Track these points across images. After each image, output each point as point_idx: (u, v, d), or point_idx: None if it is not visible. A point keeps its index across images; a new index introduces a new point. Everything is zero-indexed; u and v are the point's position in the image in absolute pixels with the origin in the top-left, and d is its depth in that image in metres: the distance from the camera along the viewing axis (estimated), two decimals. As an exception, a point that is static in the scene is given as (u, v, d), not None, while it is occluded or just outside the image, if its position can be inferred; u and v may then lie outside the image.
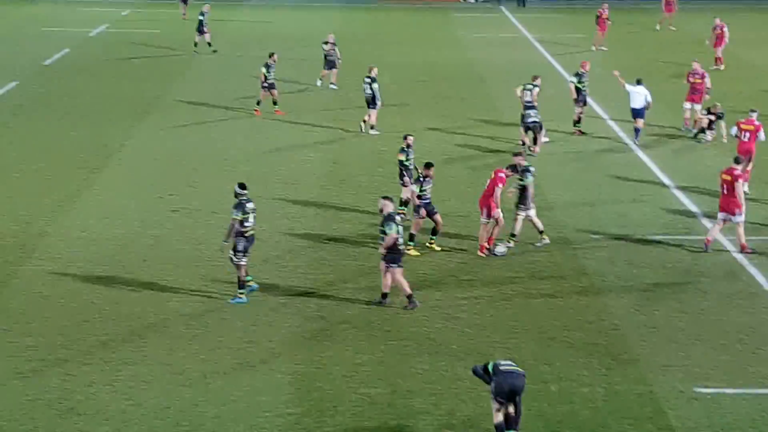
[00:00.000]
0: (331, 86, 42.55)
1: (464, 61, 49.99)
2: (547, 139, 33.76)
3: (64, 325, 20.64)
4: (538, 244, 24.79)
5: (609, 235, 25.81)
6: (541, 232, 24.89)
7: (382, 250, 21.32)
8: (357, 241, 25.21)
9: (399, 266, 21.33)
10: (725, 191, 24.59)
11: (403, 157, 26.65)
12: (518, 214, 24.69)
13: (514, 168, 24.87)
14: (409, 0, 74.36)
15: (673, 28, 59.17)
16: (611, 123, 37.24)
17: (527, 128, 32.86)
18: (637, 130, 34.38)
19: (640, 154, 33.25)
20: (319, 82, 42.96)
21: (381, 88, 35.41)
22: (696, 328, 20.61)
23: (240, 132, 36.02)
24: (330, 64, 42.55)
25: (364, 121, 35.68)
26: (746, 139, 29.54)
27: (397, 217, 21.64)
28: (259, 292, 22.02)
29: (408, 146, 26.79)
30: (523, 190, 24.68)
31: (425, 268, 23.58)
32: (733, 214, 24.44)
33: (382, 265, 21.44)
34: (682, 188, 29.53)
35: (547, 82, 37.98)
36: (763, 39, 56.03)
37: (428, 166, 24.70)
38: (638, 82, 34.67)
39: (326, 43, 42.57)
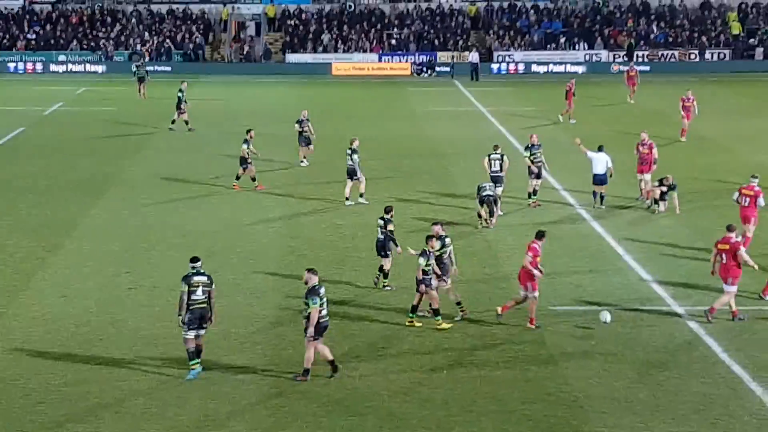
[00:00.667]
0: (302, 163, 42.39)
1: (420, 134, 50.40)
2: (501, 213, 33.97)
3: (21, 406, 20.39)
4: (457, 318, 24.87)
5: (566, 306, 25.93)
6: (458, 304, 25.09)
7: (310, 330, 21.17)
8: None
9: (320, 338, 21.46)
10: (723, 260, 24.74)
11: (391, 227, 27.15)
12: (439, 284, 24.81)
13: (439, 237, 25.06)
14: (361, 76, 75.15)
15: (632, 101, 59.86)
16: (565, 193, 37.59)
17: (482, 201, 33.09)
18: (601, 196, 35.20)
19: (596, 225, 33.53)
20: (304, 162, 42.40)
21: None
22: (655, 399, 20.67)
23: (199, 208, 36.01)
24: (306, 140, 42.32)
25: (347, 198, 36.06)
26: (746, 204, 30.04)
27: (321, 290, 21.54)
28: (219, 368, 21.89)
29: (390, 218, 27.27)
30: (439, 258, 24.83)
31: (383, 340, 23.55)
32: (727, 282, 24.64)
33: (307, 340, 21.37)
34: (638, 259, 29.75)
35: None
36: (712, 111, 56.90)
37: (429, 239, 24.72)
38: (599, 149, 35.52)
39: (300, 121, 42.27)
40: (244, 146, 38.31)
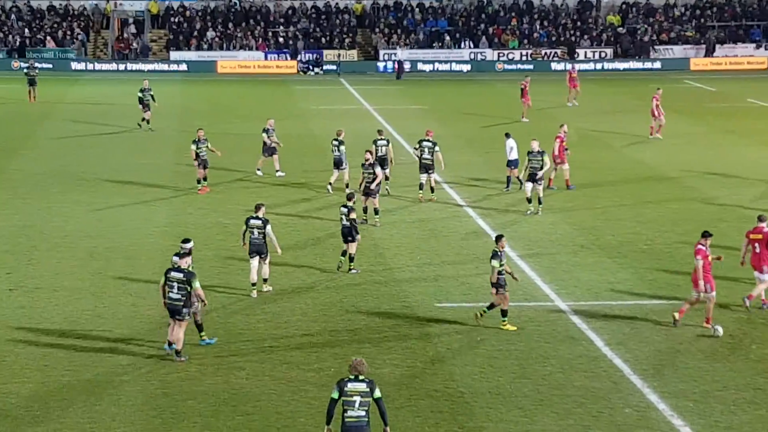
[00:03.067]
0: (279, 174, 40.12)
1: (307, 132, 50.36)
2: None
3: None
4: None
5: (452, 303, 26.16)
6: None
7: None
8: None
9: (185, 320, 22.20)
10: (757, 249, 25.07)
11: (354, 215, 28.11)
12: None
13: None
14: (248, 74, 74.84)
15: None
16: (451, 191, 37.91)
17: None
18: (508, 179, 37.57)
19: (481, 222, 33.89)
20: (260, 172, 40.36)
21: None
22: (539, 393, 20.95)
23: (80, 207, 35.49)
24: (270, 150, 40.20)
25: (330, 183, 36.97)
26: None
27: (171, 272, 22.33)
28: (104, 369, 21.63)
29: (353, 206, 28.38)
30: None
31: (271, 339, 23.49)
32: (762, 271, 25.06)
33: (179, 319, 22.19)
34: (522, 255, 30.14)
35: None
36: (593, 108, 57.87)
37: (499, 238, 24.63)
38: (507, 136, 37.89)
39: (267, 130, 40.23)
40: (193, 147, 37.57)
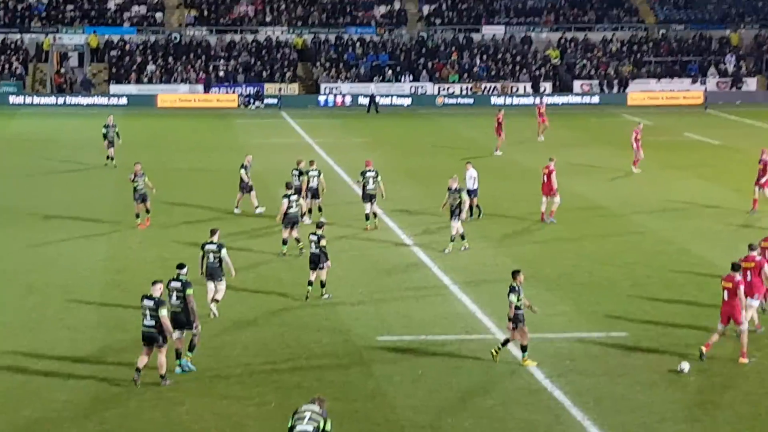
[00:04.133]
0: (258, 210, 39.14)
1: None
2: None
3: None
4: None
5: (394, 336, 26.17)
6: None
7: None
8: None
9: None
10: (749, 278, 25.34)
11: (324, 243, 28.71)
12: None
13: None
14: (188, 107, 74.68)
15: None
16: (391, 223, 37.97)
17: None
18: (471, 208, 37.54)
19: (422, 254, 33.97)
20: (237, 210, 39.42)
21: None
22: (480, 426, 20.98)
23: (17, 242, 35.14)
24: (248, 187, 39.15)
25: (310, 211, 37.44)
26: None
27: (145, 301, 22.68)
28: (41, 405, 21.37)
29: (323, 234, 28.82)
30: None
31: (210, 373, 23.33)
32: (753, 297, 25.40)
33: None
34: (463, 288, 30.24)
35: (330, 184, 39.02)
36: (533, 142, 58.33)
37: (516, 273, 24.47)
38: (468, 164, 38.42)
39: (245, 166, 39.44)
40: (135, 183, 37.24)
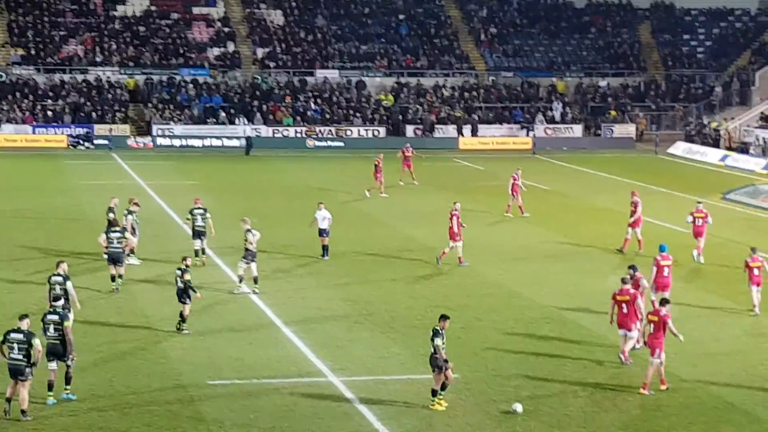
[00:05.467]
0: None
1: (77, 207, 49.30)
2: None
3: None
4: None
5: (225, 380, 25.86)
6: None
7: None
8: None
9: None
10: (624, 310, 27.13)
11: (188, 276, 29.58)
12: None
13: None
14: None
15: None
16: (222, 264, 37.64)
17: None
18: (325, 248, 38.92)
19: (254, 297, 33.72)
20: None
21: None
22: (313, 469, 20.86)
23: None
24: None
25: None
26: (699, 224, 39.77)
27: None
28: None
29: (187, 266, 29.84)
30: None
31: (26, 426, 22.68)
32: (630, 329, 27.11)
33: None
34: (296, 331, 30.10)
35: (158, 224, 38.56)
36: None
37: (444, 317, 24.28)
38: (321, 204, 39.37)
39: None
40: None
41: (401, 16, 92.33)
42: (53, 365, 23.74)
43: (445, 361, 24.04)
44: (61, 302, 25.20)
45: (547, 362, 27.73)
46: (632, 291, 27.53)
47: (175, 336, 29.29)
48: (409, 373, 26.65)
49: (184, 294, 29.49)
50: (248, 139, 75.30)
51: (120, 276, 34.08)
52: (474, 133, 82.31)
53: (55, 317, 24.02)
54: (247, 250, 33.90)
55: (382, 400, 24.69)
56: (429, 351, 27.34)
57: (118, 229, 34.99)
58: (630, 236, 41.54)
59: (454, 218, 38.90)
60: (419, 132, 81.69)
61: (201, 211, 38.03)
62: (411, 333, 30.20)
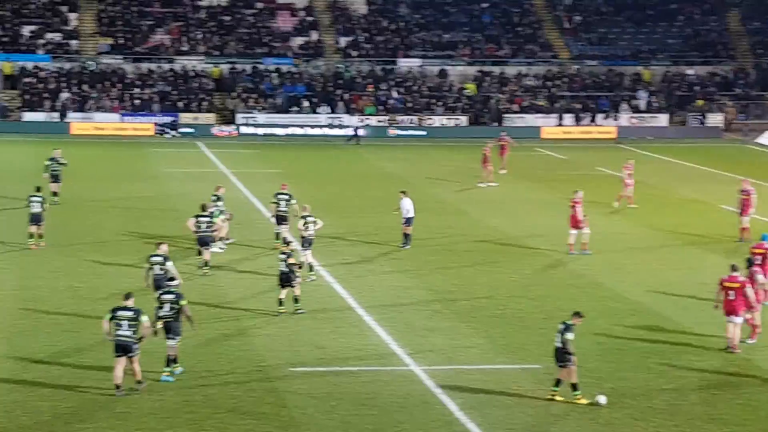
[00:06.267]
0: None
1: (162, 195, 49.94)
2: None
3: None
4: None
5: (307, 367, 26.08)
6: None
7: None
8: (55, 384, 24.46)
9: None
10: (731, 297, 27.47)
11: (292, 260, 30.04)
12: None
13: None
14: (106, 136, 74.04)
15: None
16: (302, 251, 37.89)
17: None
18: (407, 236, 39.05)
19: (337, 286, 33.90)
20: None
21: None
22: (393, 457, 21.00)
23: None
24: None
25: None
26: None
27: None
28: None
29: (291, 251, 30.38)
30: None
31: (122, 406, 23.05)
32: (737, 316, 27.51)
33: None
34: (377, 319, 30.25)
35: (244, 213, 39.04)
36: (439, 174, 58.68)
37: (577, 315, 24.31)
38: (404, 193, 39.42)
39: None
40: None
41: (484, 5, 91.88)
42: (169, 342, 24.82)
43: (571, 355, 23.80)
44: (176, 282, 26.24)
45: (631, 354, 27.57)
46: (741, 279, 27.78)
47: (258, 322, 29.59)
48: (490, 363, 26.67)
49: (288, 278, 29.95)
50: (356, 129, 75.38)
51: (207, 264, 34.57)
52: (556, 122, 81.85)
53: (171, 296, 25.03)
54: (303, 237, 34.37)
55: (463, 389, 24.74)
56: (507, 341, 27.29)
57: (207, 213, 35.41)
58: (746, 224, 41.33)
59: (577, 206, 38.70)
60: (503, 121, 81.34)
61: (286, 196, 38.50)
62: (492, 323, 30.20)
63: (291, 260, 29.91)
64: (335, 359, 26.71)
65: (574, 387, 23.91)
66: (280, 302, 30.07)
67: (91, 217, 43.98)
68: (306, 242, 34.37)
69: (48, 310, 30.18)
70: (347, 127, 77.61)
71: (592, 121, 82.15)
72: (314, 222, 34.67)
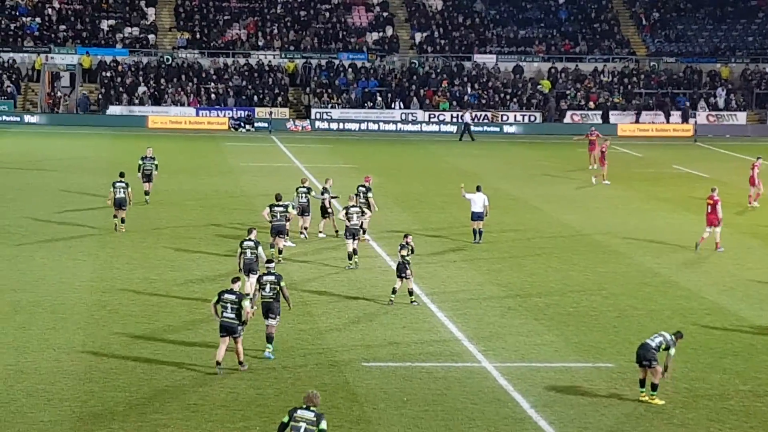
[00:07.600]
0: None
1: (236, 189, 50.29)
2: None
3: None
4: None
5: (380, 363, 26.10)
6: None
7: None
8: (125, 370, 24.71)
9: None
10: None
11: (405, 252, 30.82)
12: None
13: None
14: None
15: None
16: (378, 248, 37.90)
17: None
18: (480, 232, 39.09)
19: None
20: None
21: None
22: (464, 453, 20.93)
23: (3, 261, 35.02)
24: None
25: (306, 228, 38.74)
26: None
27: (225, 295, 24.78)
28: (25, 426, 21.28)
29: (407, 243, 31.01)
30: None
31: (195, 397, 23.24)
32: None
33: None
34: (449, 315, 30.18)
35: (314, 205, 39.25)
36: (521, 172, 58.34)
37: (678, 335, 24.13)
38: (478, 189, 39.16)
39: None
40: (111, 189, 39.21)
41: (561, 1, 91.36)
42: (270, 321, 25.95)
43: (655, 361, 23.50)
44: (273, 264, 27.07)
45: (706, 354, 27.23)
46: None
47: (330, 317, 29.67)
48: (563, 361, 26.49)
49: (403, 269, 30.56)
50: (466, 125, 75.23)
51: (280, 252, 35.15)
52: (632, 119, 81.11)
53: (272, 278, 26.21)
54: (347, 227, 34.97)
55: (535, 387, 24.60)
56: (580, 339, 27.09)
57: (282, 203, 35.69)
58: None
59: (717, 205, 38.35)
60: (576, 118, 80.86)
61: (363, 189, 39.29)
62: (565, 320, 30.00)
63: (403, 252, 30.65)
64: (407, 355, 26.69)
65: (654, 387, 23.67)
66: (394, 290, 30.86)
67: (168, 209, 44.37)
68: (348, 232, 34.96)
69: (123, 301, 30.54)
70: (451, 123, 77.54)
71: (668, 117, 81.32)
72: (359, 212, 35.43)
